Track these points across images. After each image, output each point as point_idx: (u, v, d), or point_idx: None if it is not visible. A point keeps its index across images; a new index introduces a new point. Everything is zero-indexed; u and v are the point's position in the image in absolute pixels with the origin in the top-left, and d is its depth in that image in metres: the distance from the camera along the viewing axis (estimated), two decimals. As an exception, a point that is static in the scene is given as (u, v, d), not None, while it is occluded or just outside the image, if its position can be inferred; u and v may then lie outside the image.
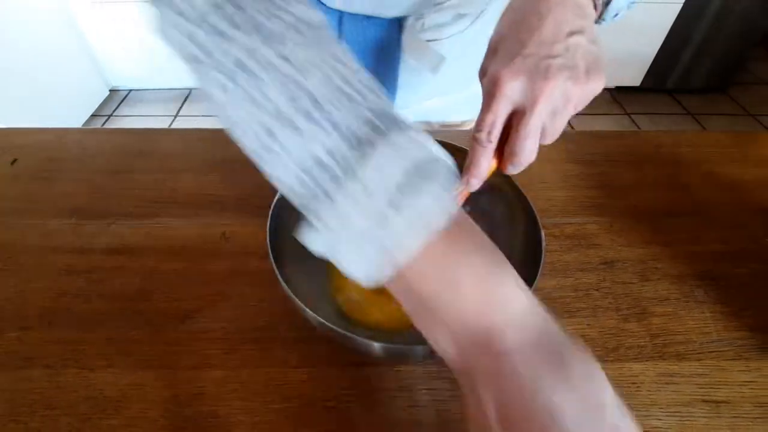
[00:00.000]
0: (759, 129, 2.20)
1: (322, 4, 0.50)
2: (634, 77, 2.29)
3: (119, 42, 2.06)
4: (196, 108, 2.29)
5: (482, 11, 0.55)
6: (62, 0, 1.88)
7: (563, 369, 0.19)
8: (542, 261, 0.32)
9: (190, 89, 2.36)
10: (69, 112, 1.98)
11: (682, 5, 2.05)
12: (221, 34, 0.21)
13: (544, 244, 0.33)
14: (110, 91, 2.27)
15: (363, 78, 0.22)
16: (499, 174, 0.38)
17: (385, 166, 0.19)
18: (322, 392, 0.34)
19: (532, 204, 0.36)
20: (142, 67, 2.18)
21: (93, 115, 2.14)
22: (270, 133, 0.20)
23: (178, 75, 2.18)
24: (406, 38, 0.50)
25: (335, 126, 0.20)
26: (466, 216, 0.23)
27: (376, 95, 0.22)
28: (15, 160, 0.54)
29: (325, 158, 0.20)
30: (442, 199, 0.21)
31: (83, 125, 2.06)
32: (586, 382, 0.20)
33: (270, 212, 0.35)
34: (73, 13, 1.93)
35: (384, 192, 0.19)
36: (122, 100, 2.30)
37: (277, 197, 0.36)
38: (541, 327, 0.21)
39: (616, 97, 2.40)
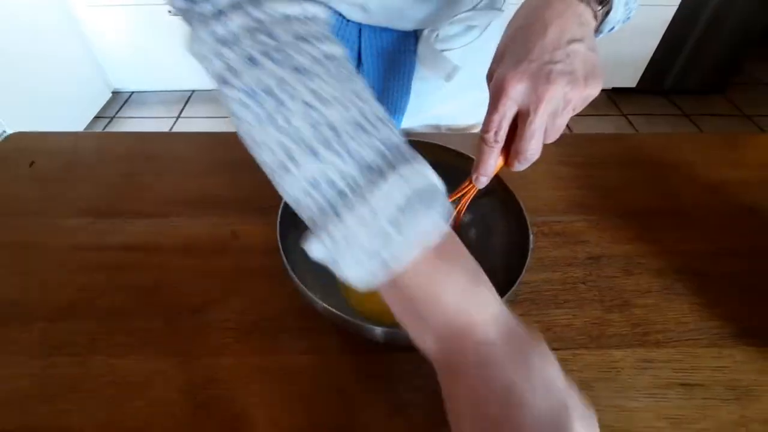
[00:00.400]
0: (755, 130, 2.23)
1: (343, 17, 0.53)
2: (630, 78, 2.32)
3: (122, 44, 2.09)
4: (198, 110, 2.32)
5: (490, 23, 0.58)
6: (65, 3, 1.91)
7: (525, 356, 0.23)
8: (529, 256, 0.35)
9: (192, 91, 2.39)
10: (72, 114, 2.01)
11: (677, 7, 2.07)
12: (252, 59, 0.23)
13: (532, 240, 0.36)
14: (113, 92, 2.30)
15: (377, 111, 0.25)
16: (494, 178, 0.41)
17: (392, 193, 0.23)
18: (328, 378, 0.37)
19: (521, 203, 0.39)
20: (144, 69, 2.21)
21: (96, 117, 2.17)
22: (289, 155, 0.24)
23: (180, 77, 2.21)
24: (422, 49, 0.53)
25: (350, 154, 0.23)
26: (453, 233, 0.26)
27: (388, 128, 0.25)
28: (33, 163, 0.57)
29: (339, 182, 0.23)
30: (437, 221, 0.24)
31: (86, 127, 2.09)
32: (541, 364, 0.23)
33: (279, 212, 0.38)
34: (76, 16, 1.95)
35: (388, 214, 0.22)
36: (125, 102, 2.33)
37: (284, 200, 0.39)
38: (509, 323, 0.25)
39: (612, 98, 2.43)
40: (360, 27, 0.53)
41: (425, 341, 0.25)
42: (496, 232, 0.42)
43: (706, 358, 0.39)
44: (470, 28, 0.56)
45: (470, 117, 0.67)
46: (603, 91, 2.58)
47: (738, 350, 0.39)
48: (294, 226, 0.41)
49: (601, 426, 0.34)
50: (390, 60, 0.54)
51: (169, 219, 0.50)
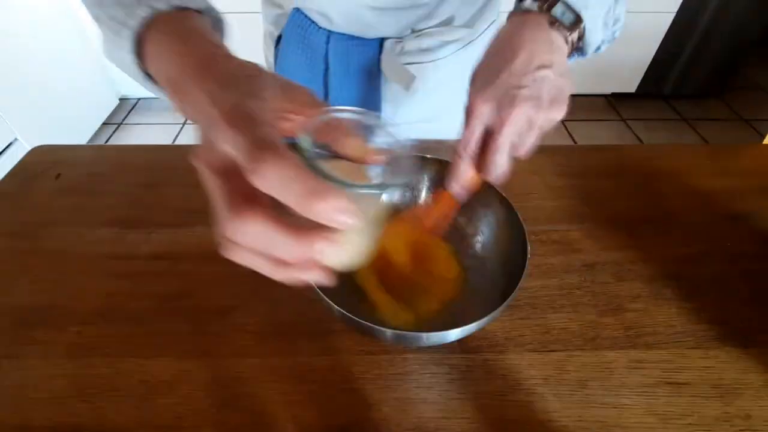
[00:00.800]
0: (753, 134, 2.25)
1: (314, 23, 0.56)
2: (629, 83, 2.35)
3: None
4: (203, 115, 2.35)
5: (469, 42, 0.61)
6: (73, 11, 1.95)
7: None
8: (527, 264, 0.38)
9: (197, 97, 2.42)
10: (80, 121, 2.04)
11: (676, 12, 2.10)
12: None
13: (529, 249, 0.39)
14: (120, 99, 2.33)
15: None
16: (490, 189, 0.44)
17: None
18: (341, 377, 0.40)
19: (519, 214, 0.42)
20: (150, 76, 2.24)
21: (104, 124, 2.21)
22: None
23: (186, 84, 2.25)
24: (384, 57, 0.56)
25: None
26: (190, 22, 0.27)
27: None
28: (59, 175, 0.61)
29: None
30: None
31: (94, 134, 2.13)
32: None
33: None
34: (83, 23, 1.99)
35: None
36: (131, 109, 2.36)
37: None
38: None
39: (612, 102, 2.46)
40: (329, 34, 0.56)
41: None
42: (497, 241, 0.45)
43: (693, 358, 0.42)
44: (445, 43, 0.59)
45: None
46: (602, 95, 2.60)
47: (722, 351, 0.42)
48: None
49: (595, 421, 0.37)
50: (356, 67, 0.57)
51: (191, 228, 0.53)
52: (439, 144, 0.50)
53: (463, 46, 0.60)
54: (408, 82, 0.57)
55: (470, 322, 0.34)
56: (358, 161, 0.26)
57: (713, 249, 0.51)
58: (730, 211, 0.56)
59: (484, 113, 0.33)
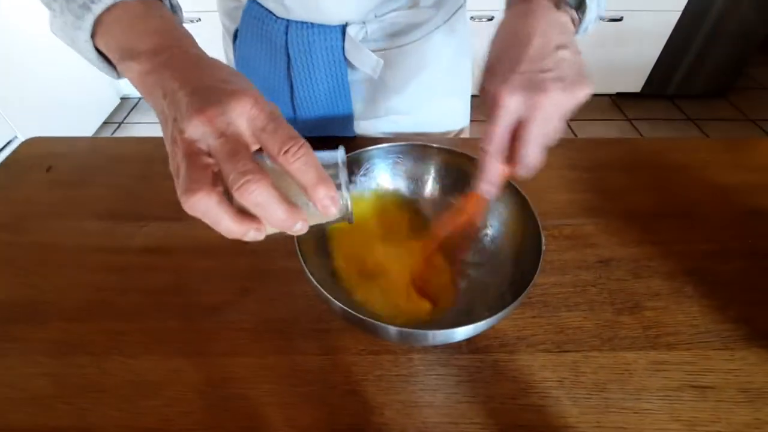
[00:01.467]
0: (759, 134, 2.22)
1: (271, 14, 0.53)
2: (634, 83, 2.33)
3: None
4: (204, 115, 2.33)
5: (437, 27, 0.57)
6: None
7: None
8: (541, 258, 0.35)
9: (199, 97, 2.41)
10: (81, 120, 2.03)
11: (681, 12, 2.08)
12: None
13: (543, 242, 0.36)
14: (121, 99, 2.32)
15: None
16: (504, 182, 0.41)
17: None
18: (341, 377, 0.37)
19: (533, 207, 0.40)
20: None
21: (104, 123, 2.19)
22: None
23: (187, 83, 2.23)
24: (348, 45, 0.53)
25: None
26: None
27: None
28: (50, 167, 0.58)
29: None
30: None
31: (95, 133, 2.11)
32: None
33: None
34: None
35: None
36: (132, 108, 2.35)
37: None
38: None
39: (617, 102, 2.43)
40: (287, 24, 0.53)
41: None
42: (509, 234, 0.42)
43: (718, 360, 0.39)
44: (412, 26, 0.56)
45: (451, 123, 0.67)
46: (607, 95, 2.58)
47: (750, 352, 0.39)
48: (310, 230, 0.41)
49: (614, 428, 0.34)
50: (319, 58, 0.54)
51: (185, 222, 0.50)
52: (423, 137, 0.48)
53: (432, 31, 0.57)
54: (374, 66, 0.54)
55: (479, 321, 0.31)
56: None
57: (735, 245, 0.48)
58: (750, 207, 0.53)
59: (513, 104, 0.30)
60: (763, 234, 0.50)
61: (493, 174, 0.33)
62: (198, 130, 0.24)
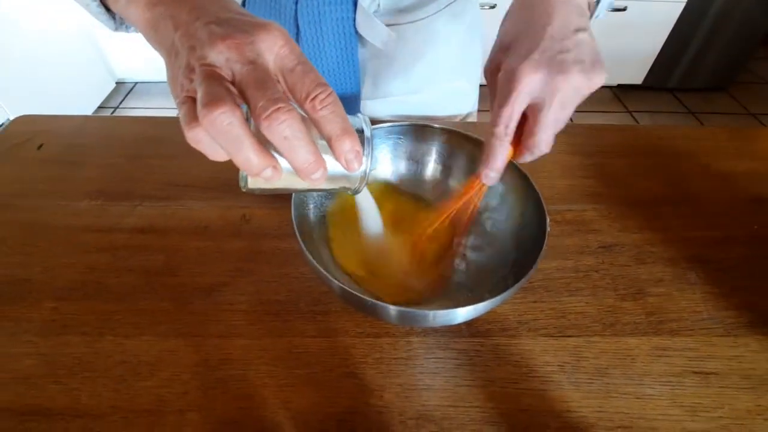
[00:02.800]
0: (760, 127, 2.21)
1: None
2: (636, 75, 2.31)
3: (125, 35, 2.08)
4: (201, 101, 2.30)
5: (451, 2, 0.56)
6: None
7: None
8: (546, 240, 0.34)
9: (195, 82, 2.37)
10: (77, 104, 2.00)
11: (684, 4, 2.06)
12: None
13: (548, 224, 0.35)
14: (117, 83, 2.29)
15: None
16: (509, 164, 0.40)
17: None
18: (340, 360, 0.36)
19: (538, 190, 0.38)
20: (147, 60, 2.20)
21: (100, 107, 2.16)
22: None
23: (184, 68, 2.20)
24: (359, 17, 0.51)
25: None
26: None
27: None
28: (41, 145, 0.57)
29: None
30: None
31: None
32: None
33: (293, 194, 0.38)
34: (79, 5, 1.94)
35: None
36: (128, 93, 2.32)
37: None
38: None
39: (618, 94, 2.42)
40: None
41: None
42: (511, 216, 0.41)
43: (721, 347, 0.38)
44: (425, 2, 0.54)
45: (459, 106, 0.66)
46: (608, 87, 2.57)
47: (753, 339, 0.39)
48: (306, 209, 0.40)
49: (616, 412, 0.34)
50: (329, 29, 0.52)
51: (180, 202, 0.49)
52: (428, 120, 0.47)
53: (442, 8, 0.56)
54: (388, 42, 0.52)
55: (480, 303, 0.31)
56: None
57: (739, 232, 0.48)
58: (754, 194, 0.53)
59: (534, 84, 0.28)
60: (766, 222, 0.49)
61: (500, 159, 0.31)
62: (222, 56, 0.22)
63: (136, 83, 2.35)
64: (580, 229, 0.48)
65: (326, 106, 0.22)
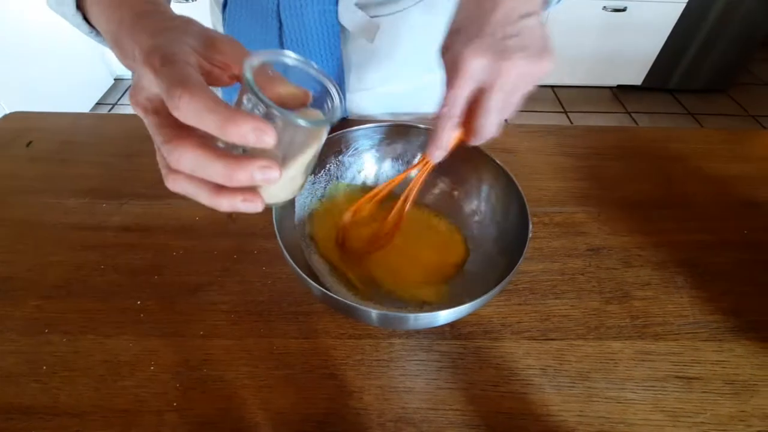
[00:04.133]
0: (758, 129, 2.21)
1: None
2: (635, 76, 2.30)
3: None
4: (201, 98, 2.31)
5: None
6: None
7: None
8: (527, 244, 0.34)
9: (195, 80, 2.37)
10: (75, 100, 2.00)
11: (685, 5, 2.05)
12: None
13: (531, 228, 0.35)
14: (115, 79, 2.29)
15: None
16: (489, 162, 0.40)
17: None
18: (321, 361, 0.36)
19: (522, 192, 0.38)
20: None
21: (98, 104, 2.16)
22: None
23: (183, 65, 2.20)
24: (341, 9, 0.51)
25: None
26: None
27: None
28: (30, 143, 0.57)
29: None
30: None
31: (88, 113, 2.08)
32: None
33: None
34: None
35: None
36: (127, 89, 2.32)
37: None
38: None
39: (617, 95, 2.41)
40: None
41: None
42: (497, 220, 0.41)
43: (706, 351, 0.38)
44: None
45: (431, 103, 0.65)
46: (608, 88, 2.56)
47: (738, 344, 0.38)
48: (291, 211, 0.40)
49: (597, 417, 0.34)
50: (312, 22, 0.52)
51: (166, 201, 0.49)
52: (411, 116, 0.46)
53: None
54: (371, 31, 0.52)
55: (461, 305, 0.30)
56: (290, 103, 0.26)
57: (729, 236, 0.48)
58: (746, 198, 0.52)
59: (477, 68, 0.28)
60: (757, 226, 0.49)
61: (445, 140, 0.31)
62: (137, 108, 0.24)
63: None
64: (569, 232, 0.47)
65: (187, 107, 0.20)
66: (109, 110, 2.16)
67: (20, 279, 0.42)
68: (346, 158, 0.44)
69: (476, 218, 0.43)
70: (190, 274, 0.42)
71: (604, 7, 2.04)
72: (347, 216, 0.40)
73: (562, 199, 0.51)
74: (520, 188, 0.38)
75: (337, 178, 0.45)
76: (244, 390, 0.34)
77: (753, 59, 2.35)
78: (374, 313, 0.31)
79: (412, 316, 0.32)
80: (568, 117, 2.23)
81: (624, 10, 2.06)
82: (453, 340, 0.38)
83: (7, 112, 1.61)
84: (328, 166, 0.44)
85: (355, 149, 0.45)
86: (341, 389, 0.35)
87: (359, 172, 0.46)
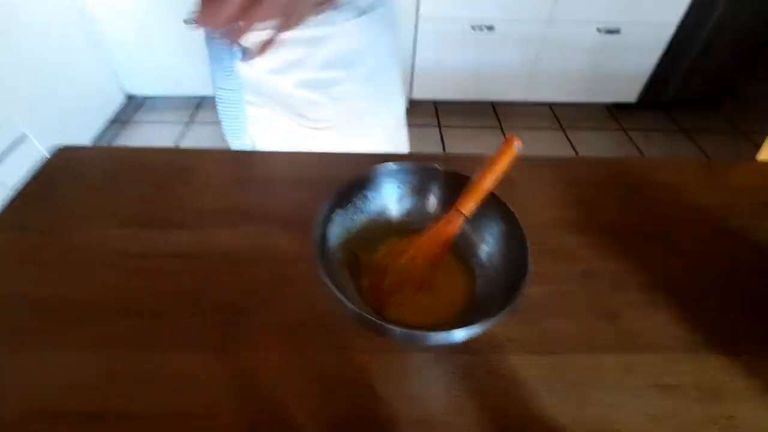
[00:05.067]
0: (750, 146, 2.29)
1: None
2: (630, 94, 2.38)
3: (136, 51, 2.16)
4: (207, 115, 2.38)
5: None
6: (82, 10, 1.97)
7: None
8: (527, 276, 0.40)
9: (202, 97, 2.46)
10: (88, 118, 2.07)
11: (677, 25, 2.13)
12: None
13: (530, 262, 0.41)
14: (127, 97, 2.36)
15: None
16: (498, 203, 0.46)
17: None
18: (356, 374, 0.42)
19: (523, 229, 0.44)
20: (157, 76, 2.28)
21: (111, 121, 2.23)
22: None
23: (191, 84, 2.28)
24: None
25: None
26: None
27: None
28: (79, 174, 0.63)
29: None
30: None
31: (102, 130, 2.15)
32: None
33: (316, 223, 0.44)
34: (92, 21, 2.02)
35: None
36: (138, 107, 2.39)
37: (320, 213, 0.44)
38: None
39: (612, 112, 2.49)
40: None
41: None
42: (502, 251, 0.47)
43: (683, 363, 0.44)
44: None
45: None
46: (603, 105, 2.63)
47: (713, 356, 0.45)
48: (326, 239, 0.47)
49: (589, 420, 0.40)
50: None
51: (207, 230, 0.55)
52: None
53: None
54: None
55: (473, 325, 0.37)
56: None
57: (709, 262, 0.54)
58: (727, 226, 0.59)
59: None
60: (736, 252, 0.55)
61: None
62: None
63: (146, 98, 2.42)
64: (562, 257, 0.54)
65: None
66: (122, 127, 2.23)
67: (80, 301, 0.48)
68: (370, 194, 0.51)
69: (483, 247, 0.50)
70: (233, 297, 0.48)
71: (598, 29, 2.13)
72: (379, 258, 0.46)
73: (558, 226, 0.58)
74: (521, 225, 0.44)
75: (366, 212, 0.51)
76: (289, 399, 0.40)
77: (746, 76, 2.44)
78: (399, 331, 0.37)
79: (431, 334, 0.38)
80: (566, 134, 2.31)
81: (618, 31, 2.14)
82: (467, 354, 0.44)
83: (23, 129, 1.66)
84: (355, 200, 0.50)
85: (383, 185, 0.51)
86: (375, 398, 0.41)
87: (386, 208, 0.52)
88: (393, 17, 0.74)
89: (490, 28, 2.10)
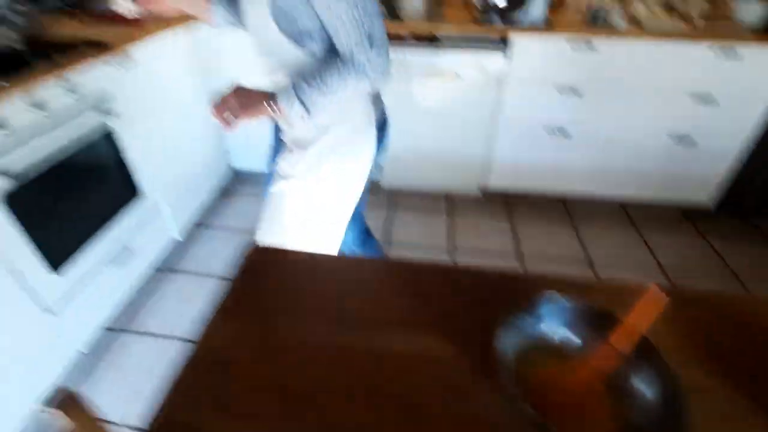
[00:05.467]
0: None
1: None
2: (705, 199, 2.38)
3: (242, 130, 2.50)
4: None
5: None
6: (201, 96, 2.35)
7: None
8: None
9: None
10: (201, 190, 2.37)
11: (756, 131, 2.16)
12: None
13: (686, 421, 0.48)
14: (235, 172, 2.69)
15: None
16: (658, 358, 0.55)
17: None
18: None
19: (681, 388, 0.50)
20: (260, 154, 2.60)
21: (221, 190, 2.54)
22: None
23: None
24: None
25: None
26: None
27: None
28: (272, 275, 0.79)
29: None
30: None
31: (212, 201, 2.46)
32: None
33: (499, 340, 0.54)
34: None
35: None
36: (244, 180, 2.71)
37: (499, 333, 0.55)
38: None
39: (686, 214, 2.48)
40: None
41: None
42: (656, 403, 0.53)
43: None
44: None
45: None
46: (677, 207, 2.57)
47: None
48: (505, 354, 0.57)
49: None
50: None
51: (377, 332, 0.67)
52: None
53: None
54: None
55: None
56: None
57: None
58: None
59: None
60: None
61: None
62: None
63: (250, 173, 2.75)
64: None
65: None
66: (230, 198, 2.53)
67: (305, 386, 0.60)
68: (534, 320, 0.61)
69: (638, 396, 0.55)
70: (420, 394, 0.59)
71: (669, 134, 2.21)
72: (545, 373, 0.57)
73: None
74: (680, 387, 0.51)
75: (530, 336, 0.61)
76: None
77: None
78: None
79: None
80: (640, 233, 2.33)
81: (690, 138, 2.20)
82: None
83: (144, 191, 1.93)
84: (520, 323, 0.60)
85: (547, 316, 0.62)
86: None
87: (545, 333, 0.62)
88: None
89: (564, 133, 2.27)
